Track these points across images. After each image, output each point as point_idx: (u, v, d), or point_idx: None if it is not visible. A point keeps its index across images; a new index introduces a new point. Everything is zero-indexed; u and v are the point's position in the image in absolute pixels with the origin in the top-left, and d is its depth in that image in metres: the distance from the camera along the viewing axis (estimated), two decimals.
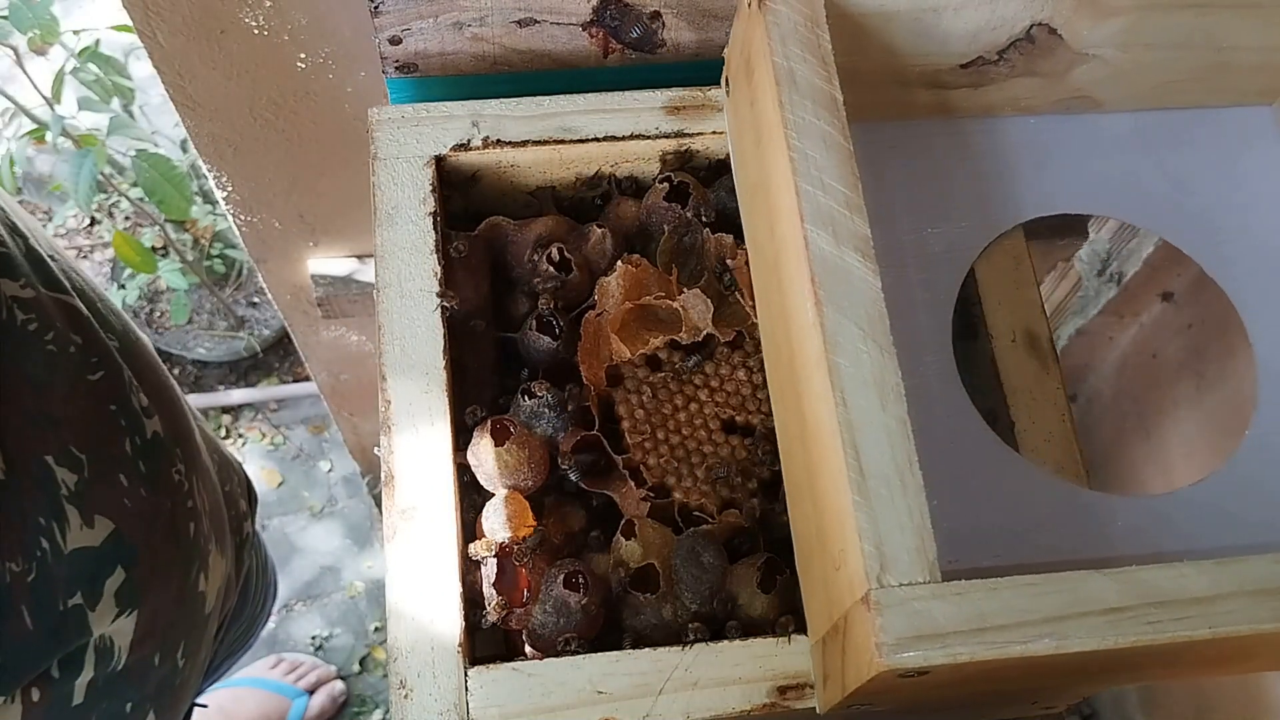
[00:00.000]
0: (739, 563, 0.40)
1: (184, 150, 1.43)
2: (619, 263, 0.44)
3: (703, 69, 0.47)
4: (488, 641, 0.40)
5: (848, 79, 0.43)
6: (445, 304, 0.41)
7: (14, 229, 0.54)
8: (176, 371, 1.64)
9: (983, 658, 0.30)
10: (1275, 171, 0.46)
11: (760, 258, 0.41)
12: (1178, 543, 0.40)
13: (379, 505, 0.40)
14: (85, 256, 1.69)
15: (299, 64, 0.75)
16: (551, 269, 0.44)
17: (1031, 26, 0.42)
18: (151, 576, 0.55)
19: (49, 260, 0.56)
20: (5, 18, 1.02)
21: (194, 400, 1.60)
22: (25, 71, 1.19)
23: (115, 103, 1.20)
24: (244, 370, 1.65)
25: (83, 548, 0.52)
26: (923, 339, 0.42)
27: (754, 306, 0.43)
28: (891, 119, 0.45)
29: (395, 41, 0.44)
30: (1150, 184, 0.46)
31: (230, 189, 0.87)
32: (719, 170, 0.47)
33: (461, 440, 0.41)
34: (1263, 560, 0.32)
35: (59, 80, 1.14)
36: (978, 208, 0.45)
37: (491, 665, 0.37)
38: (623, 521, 0.41)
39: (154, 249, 1.41)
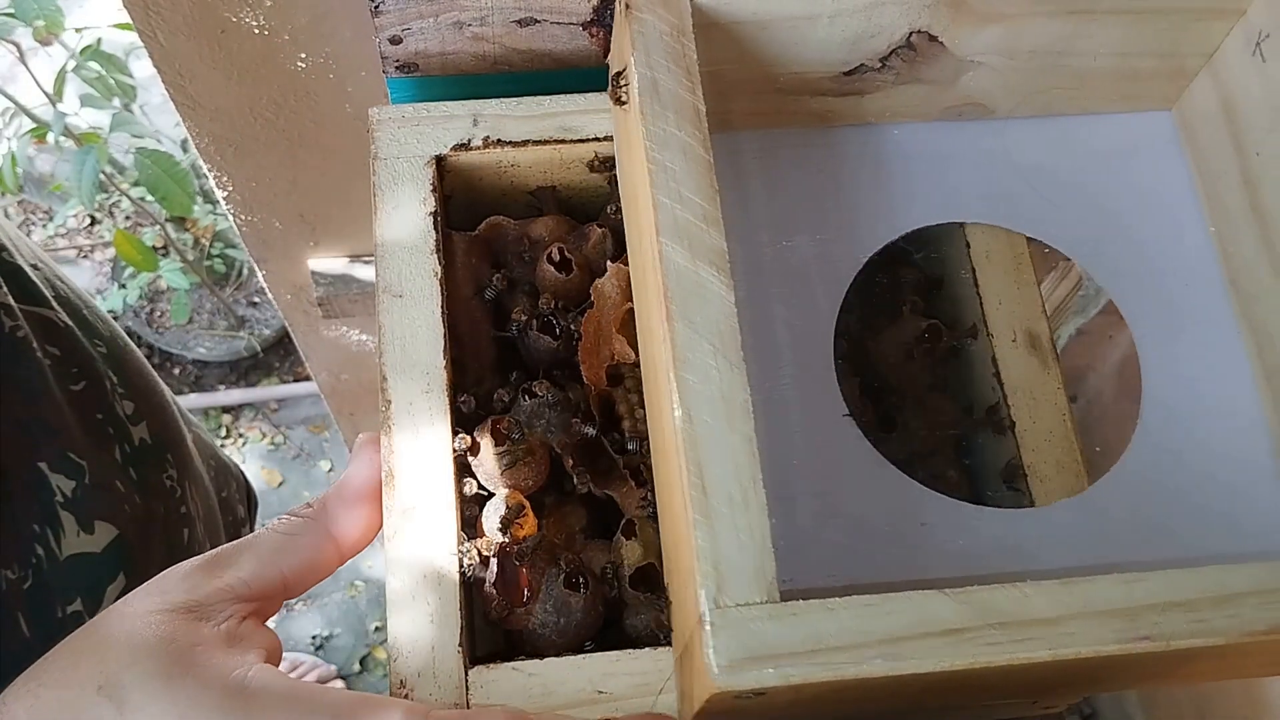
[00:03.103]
0: None
1: (184, 150, 1.43)
2: (610, 264, 0.44)
3: None
4: (488, 641, 0.40)
5: (728, 88, 0.42)
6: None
7: None
8: (177, 371, 1.64)
9: (817, 679, 0.30)
10: (1172, 178, 0.46)
11: (636, 271, 0.40)
12: (1042, 560, 0.39)
13: None
14: (86, 256, 1.69)
15: (300, 64, 0.75)
16: (552, 269, 0.44)
17: (911, 34, 0.41)
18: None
19: (28, 270, 0.56)
20: (10, 14, 1.02)
21: (194, 400, 1.60)
22: (28, 68, 1.19)
23: (116, 102, 1.20)
24: (244, 370, 1.65)
25: (81, 554, 0.52)
26: (803, 350, 0.42)
27: None
28: (777, 127, 0.45)
29: (395, 41, 0.44)
30: (1046, 191, 0.45)
31: (231, 189, 0.87)
32: None
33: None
34: (1107, 580, 0.32)
35: (61, 78, 1.14)
36: (866, 217, 0.44)
37: (492, 665, 0.37)
38: (623, 521, 0.41)
39: (154, 249, 1.41)
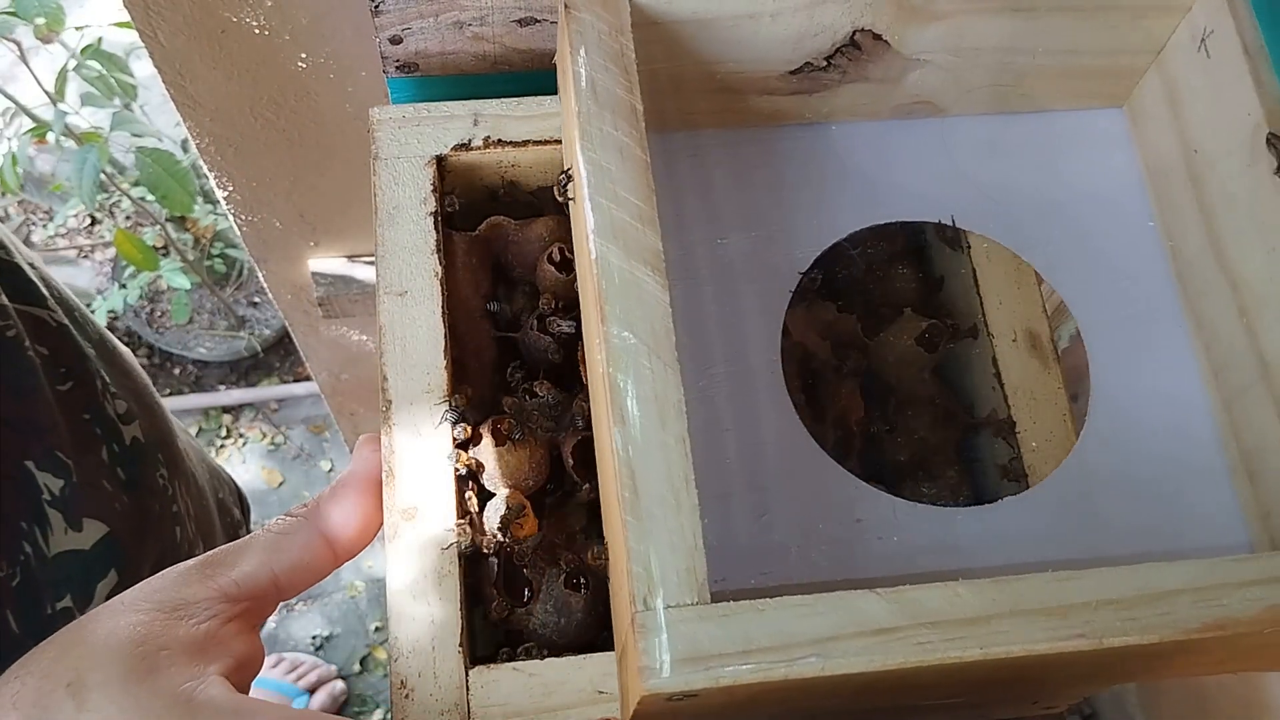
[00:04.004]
0: None
1: (184, 150, 1.43)
2: None
3: None
4: (488, 641, 0.40)
5: (672, 87, 0.42)
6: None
7: None
8: (177, 371, 1.64)
9: (747, 680, 0.30)
10: (1124, 175, 0.45)
11: (579, 272, 0.40)
12: (980, 558, 0.39)
13: None
14: (86, 256, 1.69)
15: (300, 64, 0.75)
16: (552, 269, 0.44)
17: (854, 32, 0.41)
18: (139, 580, 0.56)
19: (26, 269, 0.57)
20: (10, 13, 1.02)
21: (194, 400, 1.60)
22: (29, 67, 1.19)
23: (117, 101, 1.20)
24: (244, 370, 1.65)
25: (70, 551, 0.52)
26: (749, 350, 0.42)
27: None
28: (727, 126, 0.45)
29: (396, 41, 0.44)
30: (994, 189, 0.45)
31: (231, 189, 0.87)
32: None
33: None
34: (1039, 579, 0.32)
35: (62, 77, 1.14)
36: (813, 216, 0.44)
37: (492, 665, 0.37)
38: None
39: (155, 249, 1.41)
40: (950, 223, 0.44)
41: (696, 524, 0.31)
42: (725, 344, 0.41)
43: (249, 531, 0.80)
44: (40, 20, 1.00)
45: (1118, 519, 0.40)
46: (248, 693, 0.36)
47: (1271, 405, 0.39)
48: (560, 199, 0.41)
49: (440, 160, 0.44)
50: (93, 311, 1.42)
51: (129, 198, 1.46)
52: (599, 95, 0.37)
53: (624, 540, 0.31)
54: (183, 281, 1.44)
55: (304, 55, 0.74)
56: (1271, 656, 0.36)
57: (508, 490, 0.41)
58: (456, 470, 0.39)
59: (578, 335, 0.44)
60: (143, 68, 1.31)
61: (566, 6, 0.38)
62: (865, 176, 0.45)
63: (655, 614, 0.30)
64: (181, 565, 0.36)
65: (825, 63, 0.42)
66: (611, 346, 0.33)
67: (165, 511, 0.61)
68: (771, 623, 0.30)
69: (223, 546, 0.37)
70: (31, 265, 0.58)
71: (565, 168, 0.40)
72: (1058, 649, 0.31)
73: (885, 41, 0.42)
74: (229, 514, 0.76)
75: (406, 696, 0.36)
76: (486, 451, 0.40)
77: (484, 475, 0.41)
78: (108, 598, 0.52)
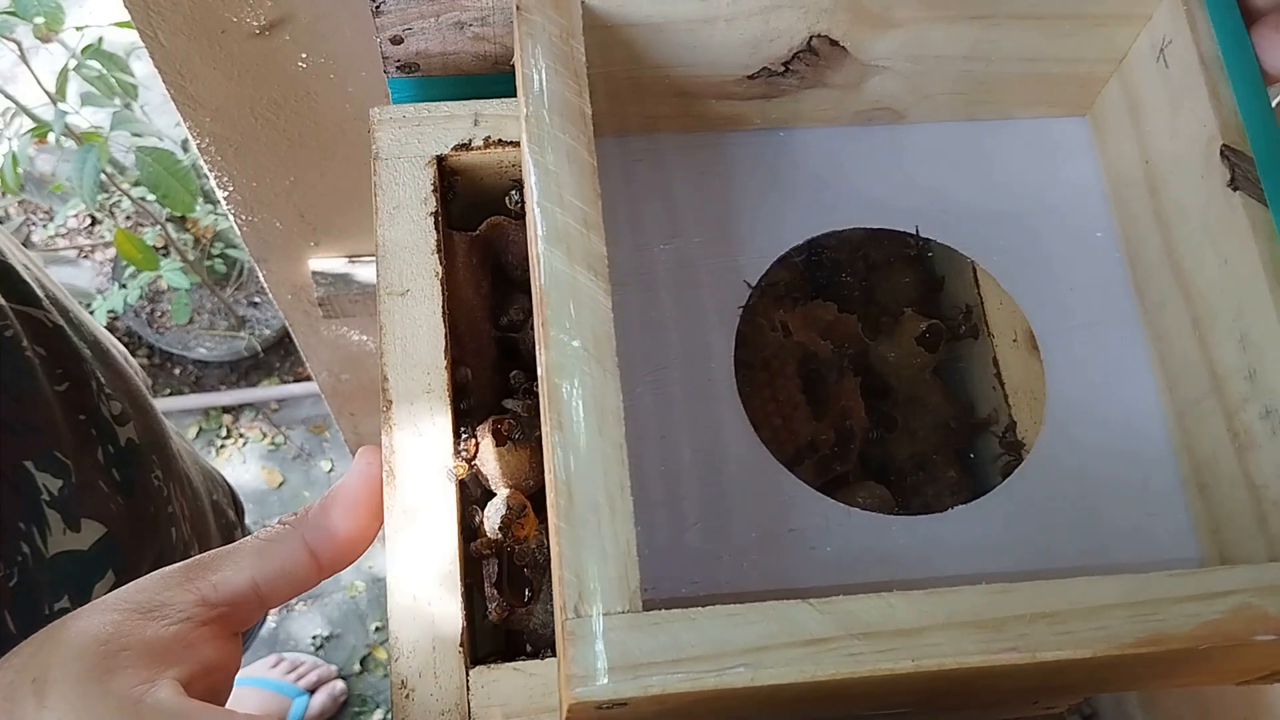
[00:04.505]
0: None
1: (184, 150, 1.43)
2: None
3: None
4: (488, 641, 0.40)
5: (631, 90, 0.42)
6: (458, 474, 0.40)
7: None
8: (177, 371, 1.65)
9: (677, 689, 0.29)
10: (1086, 184, 0.45)
11: (531, 279, 0.41)
12: (923, 569, 0.39)
13: None
14: (86, 256, 1.69)
15: (300, 64, 0.75)
16: None
17: (811, 38, 0.41)
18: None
19: (20, 270, 0.57)
20: (10, 13, 1.02)
21: (194, 400, 1.60)
22: (29, 67, 1.19)
23: (117, 101, 1.20)
24: (244, 370, 1.65)
25: (68, 551, 0.52)
26: (703, 355, 0.41)
27: None
28: (685, 130, 0.45)
29: (396, 41, 0.44)
30: (956, 196, 0.45)
31: (231, 189, 0.87)
32: None
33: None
34: (973, 591, 0.31)
35: (62, 76, 1.14)
36: (772, 222, 0.44)
37: (493, 665, 0.37)
38: None
39: (155, 249, 1.41)
40: (915, 231, 0.44)
41: (630, 531, 0.31)
42: (679, 348, 0.41)
43: (244, 533, 0.80)
44: (39, 19, 1.00)
45: (1067, 530, 0.40)
46: (222, 698, 0.36)
47: (1222, 418, 0.39)
48: (513, 208, 0.41)
49: (440, 160, 0.44)
50: (92, 312, 1.42)
51: (129, 198, 1.46)
52: (548, 98, 0.37)
53: (557, 546, 0.31)
54: (183, 281, 1.44)
55: (304, 55, 0.74)
56: (1214, 670, 0.36)
57: (508, 490, 0.41)
58: (457, 476, 0.39)
59: None
60: (143, 68, 1.31)
61: (519, 8, 0.38)
62: (826, 182, 0.45)
63: (586, 621, 0.30)
64: (169, 568, 0.36)
65: (783, 68, 0.42)
66: (552, 351, 0.33)
67: (161, 513, 0.61)
68: (702, 632, 0.30)
69: (212, 551, 0.37)
70: (26, 266, 0.58)
71: (518, 179, 0.40)
72: (990, 662, 0.30)
73: (843, 48, 0.41)
74: (223, 515, 0.76)
75: (407, 696, 0.36)
76: (487, 451, 0.40)
77: (484, 476, 0.41)
78: None
